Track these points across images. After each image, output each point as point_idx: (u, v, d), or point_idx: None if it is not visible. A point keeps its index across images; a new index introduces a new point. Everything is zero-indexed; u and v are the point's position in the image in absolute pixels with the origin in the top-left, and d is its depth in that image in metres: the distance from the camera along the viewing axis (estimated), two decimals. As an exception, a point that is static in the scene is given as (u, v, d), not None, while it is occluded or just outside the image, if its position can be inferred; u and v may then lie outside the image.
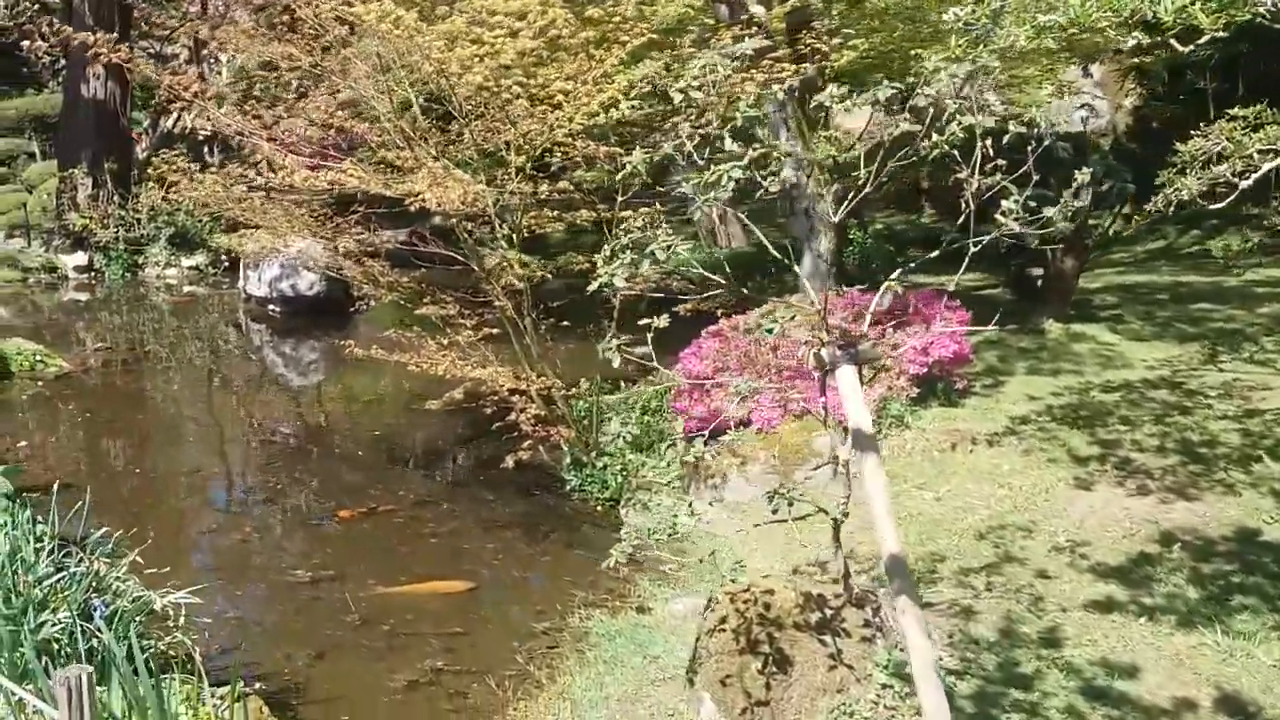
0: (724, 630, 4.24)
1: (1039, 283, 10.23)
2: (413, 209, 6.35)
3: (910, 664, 3.51)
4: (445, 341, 7.27)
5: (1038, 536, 5.83)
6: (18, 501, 5.25)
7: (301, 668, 5.39)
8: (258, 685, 4.63)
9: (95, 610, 4.09)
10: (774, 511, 4.12)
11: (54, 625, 4.05)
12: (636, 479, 7.71)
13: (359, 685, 5.29)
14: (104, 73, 18.45)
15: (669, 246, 3.76)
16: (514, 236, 6.88)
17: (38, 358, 11.50)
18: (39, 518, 5.82)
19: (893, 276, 3.96)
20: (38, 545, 4.44)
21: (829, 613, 4.21)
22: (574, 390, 7.35)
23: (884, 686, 4.12)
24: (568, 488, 7.96)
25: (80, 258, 17.85)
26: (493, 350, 7.90)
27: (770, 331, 3.77)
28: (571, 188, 6.89)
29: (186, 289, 17.49)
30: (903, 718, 4.04)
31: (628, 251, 3.83)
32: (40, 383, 11.04)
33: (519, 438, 7.92)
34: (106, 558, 4.51)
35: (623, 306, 7.91)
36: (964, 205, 3.84)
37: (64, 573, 4.28)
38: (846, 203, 3.93)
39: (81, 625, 4.07)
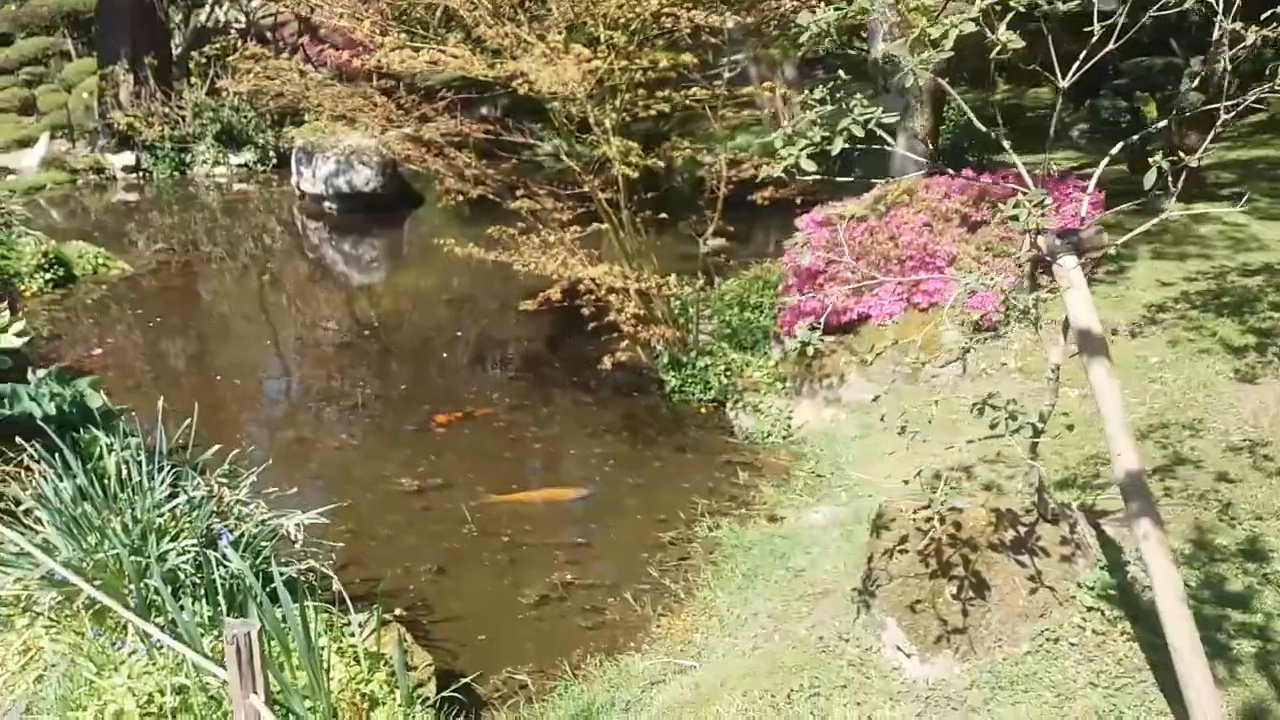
0: (906, 551, 3.84)
1: (1157, 160, 9.47)
2: (519, 91, 5.78)
3: (1154, 593, 3.10)
4: (550, 238, 6.79)
5: (1207, 435, 5.34)
6: (119, 419, 4.92)
7: (425, 584, 5.10)
8: (395, 612, 4.31)
9: (220, 536, 3.76)
10: (992, 427, 3.64)
11: (178, 554, 3.73)
12: (741, 379, 7.29)
13: (487, 601, 5.00)
14: (138, -37, 17.71)
15: (868, 120, 3.24)
16: (614, 122, 6.31)
17: (100, 260, 11.18)
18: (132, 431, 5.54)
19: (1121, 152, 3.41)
20: (148, 467, 4.09)
21: (1023, 530, 3.80)
22: (670, 287, 6.87)
23: (1089, 609, 3.72)
24: (667, 389, 7.57)
25: (127, 157, 17.42)
26: (583, 246, 7.41)
27: (1016, 219, 3.22)
28: (692, 60, 6.24)
29: (236, 187, 17.06)
30: (1114, 643, 3.65)
31: (815, 128, 3.32)
32: (104, 286, 10.75)
33: (616, 338, 7.53)
34: (223, 478, 4.16)
35: (692, 197, 7.42)
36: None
37: (181, 496, 3.93)
38: (1075, 68, 3.33)
39: (207, 553, 3.74)
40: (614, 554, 5.43)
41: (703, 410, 7.28)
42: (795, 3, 6.74)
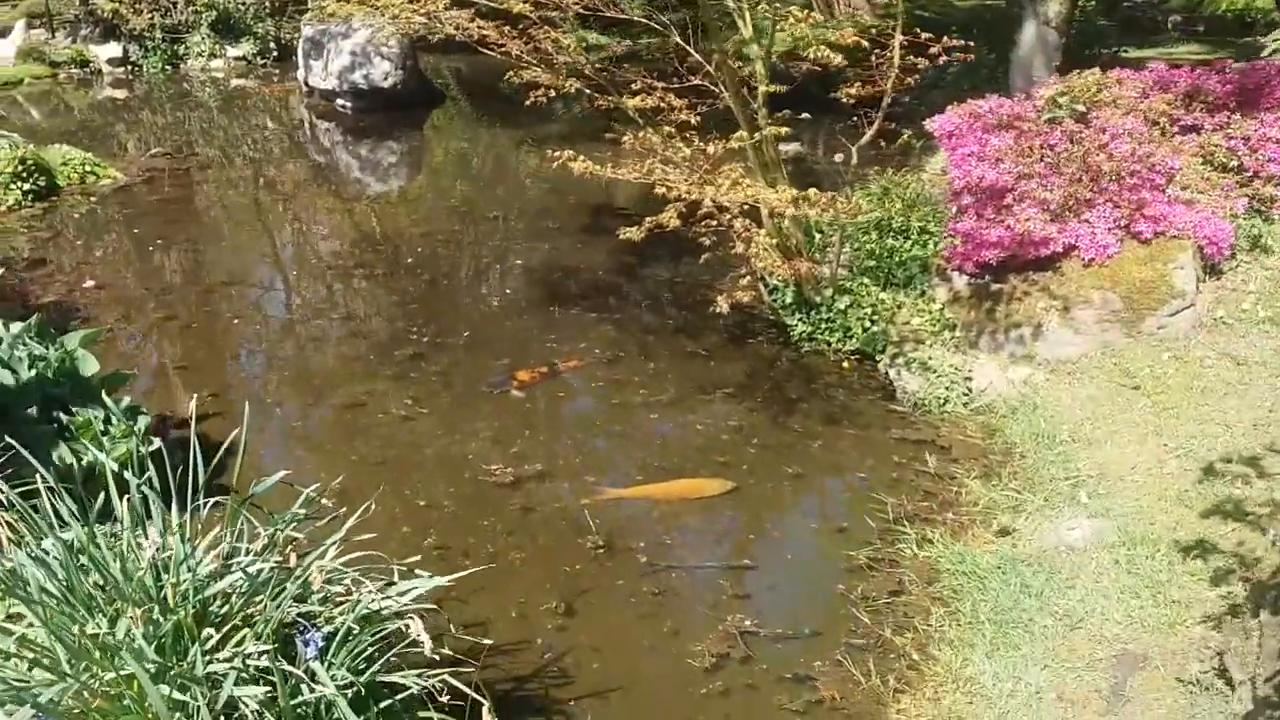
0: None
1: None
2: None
3: None
4: (684, 150, 5.28)
5: None
6: (139, 422, 3.51)
7: (551, 633, 3.74)
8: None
9: (306, 641, 2.37)
10: None
11: (237, 674, 2.33)
12: (895, 327, 5.85)
13: (643, 662, 3.64)
14: None
15: None
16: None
17: (87, 168, 9.58)
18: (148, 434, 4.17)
19: None
20: (181, 513, 2.67)
21: None
22: (826, 207, 5.33)
23: None
24: (793, 336, 6.14)
25: (114, 49, 15.53)
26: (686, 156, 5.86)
27: None
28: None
29: (235, 83, 15.24)
30: None
31: None
32: (93, 198, 9.18)
33: (731, 274, 6.12)
34: (297, 523, 2.74)
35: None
36: None
37: (235, 571, 2.50)
38: None
39: (283, 668, 2.35)
40: (795, 583, 4.07)
41: (844, 365, 5.86)
42: None
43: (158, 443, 4.20)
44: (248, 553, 2.56)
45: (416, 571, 2.87)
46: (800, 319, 6.20)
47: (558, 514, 4.48)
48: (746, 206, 5.52)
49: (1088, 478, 4.48)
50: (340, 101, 13.04)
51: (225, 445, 3.03)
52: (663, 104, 5.24)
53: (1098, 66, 6.94)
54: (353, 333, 6.40)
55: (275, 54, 15.96)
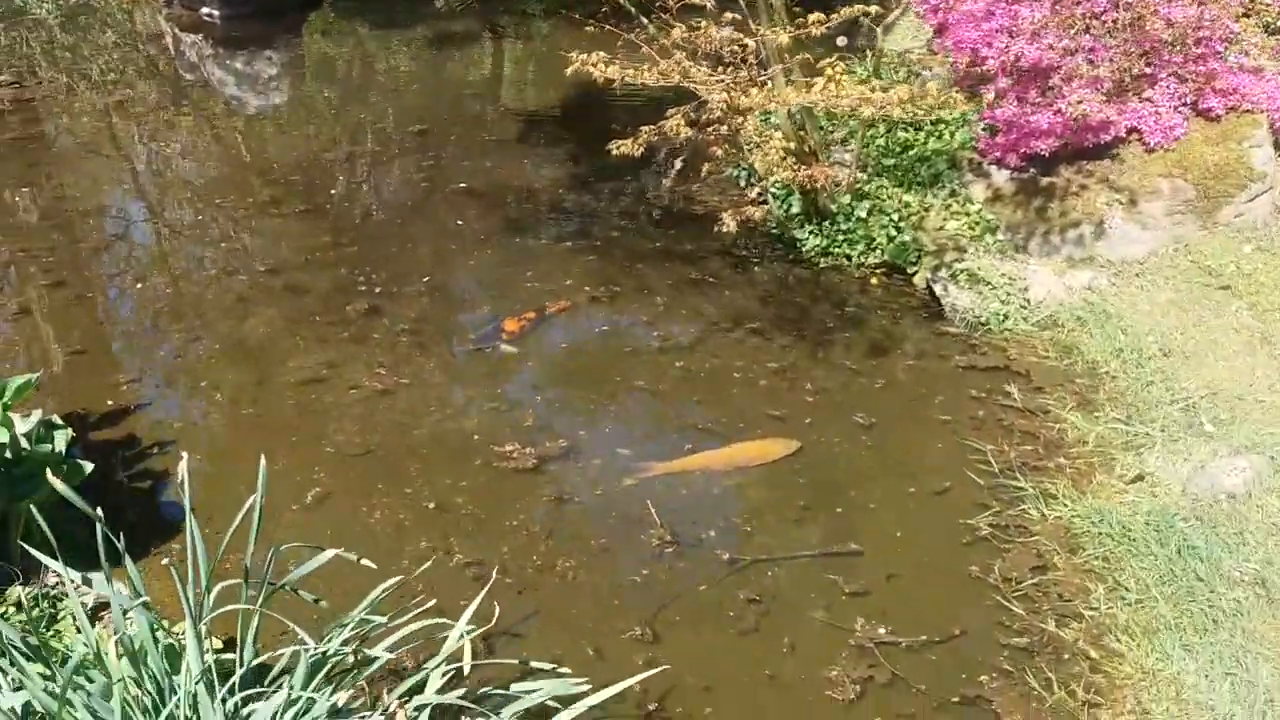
0: None
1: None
2: None
3: None
4: (748, 43, 4.38)
5: None
6: (57, 440, 2.57)
7: (640, 669, 2.97)
8: None
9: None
10: None
11: None
12: (927, 234, 5.14)
13: (768, 700, 2.92)
14: None
15: None
16: None
17: (-85, 106, 8.05)
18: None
19: None
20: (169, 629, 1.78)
21: None
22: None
23: None
24: (805, 251, 5.38)
25: (-78, -40, 13.42)
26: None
27: None
28: None
29: (76, -6, 13.36)
30: None
31: None
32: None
33: (717, 183, 5.30)
34: (356, 624, 1.89)
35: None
36: None
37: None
38: None
39: None
40: (916, 568, 3.38)
41: (873, 281, 5.15)
42: None
43: (89, 467, 3.24)
44: (311, 702, 1.69)
45: (533, 664, 2.05)
46: (811, 231, 5.43)
47: (601, 503, 3.68)
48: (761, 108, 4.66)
49: (1199, 400, 3.90)
50: (206, 10, 11.44)
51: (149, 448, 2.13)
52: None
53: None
54: (287, 288, 5.35)
55: (118, -42, 14.05)
